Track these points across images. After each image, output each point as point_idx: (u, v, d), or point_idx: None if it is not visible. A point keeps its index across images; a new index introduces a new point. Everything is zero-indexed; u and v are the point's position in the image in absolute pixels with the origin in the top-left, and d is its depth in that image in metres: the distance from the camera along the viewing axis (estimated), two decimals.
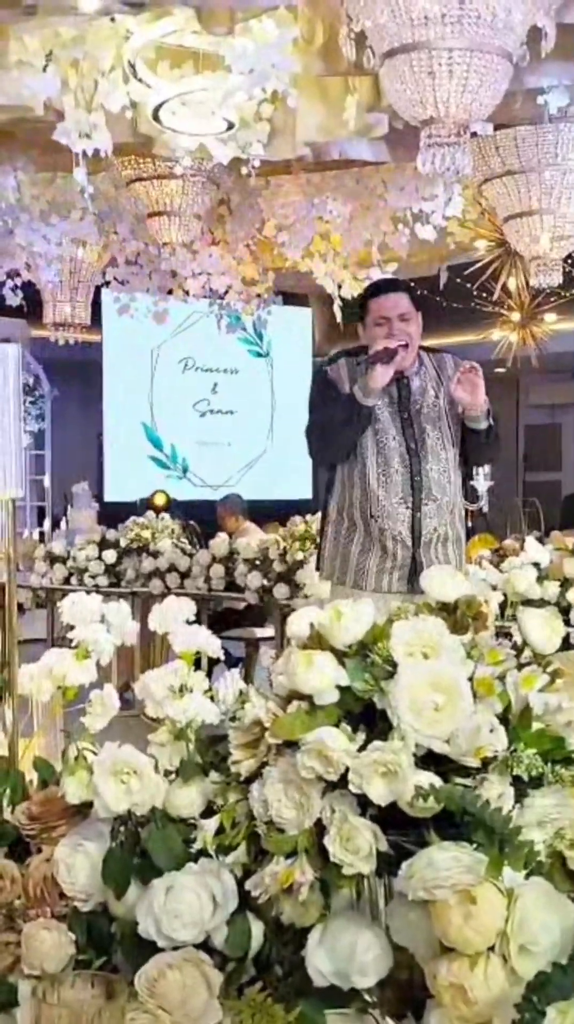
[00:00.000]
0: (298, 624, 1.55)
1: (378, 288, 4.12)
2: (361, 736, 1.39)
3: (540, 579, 5.19)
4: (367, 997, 1.49)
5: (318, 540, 4.17)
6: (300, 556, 6.01)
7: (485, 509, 6.06)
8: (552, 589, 5.16)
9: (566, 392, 13.58)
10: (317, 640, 1.47)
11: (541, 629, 1.53)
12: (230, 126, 4.47)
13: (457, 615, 1.50)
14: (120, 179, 5.72)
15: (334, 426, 3.83)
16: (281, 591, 6.09)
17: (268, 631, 6.70)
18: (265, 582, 6.22)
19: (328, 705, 1.41)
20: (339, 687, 1.42)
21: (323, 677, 1.40)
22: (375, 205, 6.11)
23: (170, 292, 7.33)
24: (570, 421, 14.23)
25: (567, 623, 5.35)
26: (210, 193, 5.60)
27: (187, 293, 7.22)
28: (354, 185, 6.08)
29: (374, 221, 6.20)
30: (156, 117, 4.49)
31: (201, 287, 7.07)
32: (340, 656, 1.45)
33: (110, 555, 7.03)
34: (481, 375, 3.80)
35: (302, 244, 6.41)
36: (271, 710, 1.43)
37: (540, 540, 5.75)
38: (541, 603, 5.01)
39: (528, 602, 4.79)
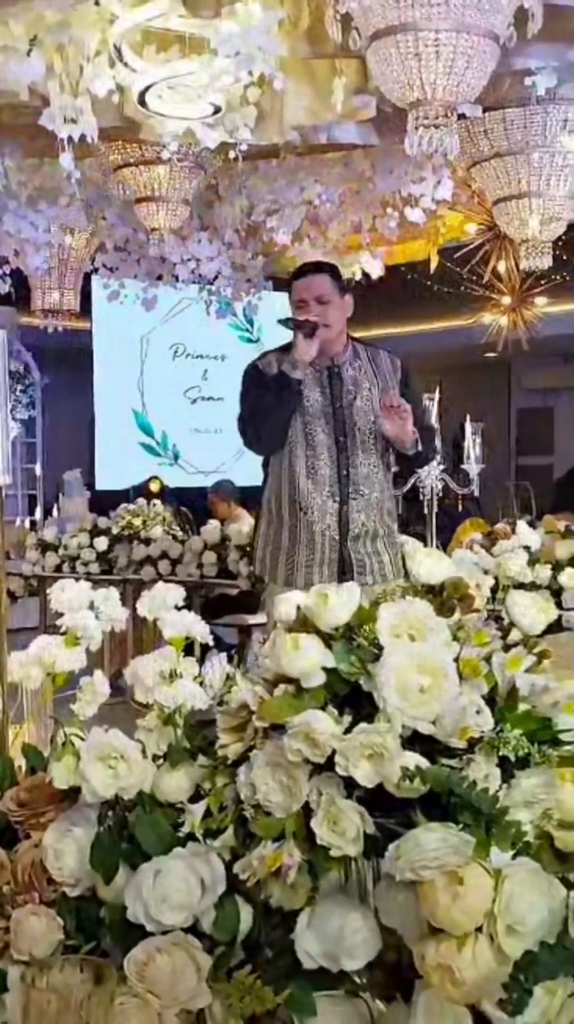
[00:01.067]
0: (284, 608, 1.55)
1: (300, 271, 4.14)
2: (347, 719, 1.39)
3: (531, 562, 5.21)
4: (356, 979, 1.49)
5: (253, 534, 4.16)
6: None
7: (476, 493, 6.05)
8: (543, 572, 5.17)
9: (558, 376, 13.57)
10: (303, 623, 1.47)
11: (527, 610, 1.53)
12: (217, 110, 4.45)
13: (443, 597, 1.50)
14: (107, 165, 5.68)
15: (264, 407, 3.82)
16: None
17: (260, 618, 6.69)
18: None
19: (315, 688, 1.41)
20: (325, 670, 1.42)
21: (309, 660, 1.40)
22: (364, 189, 6.09)
23: (159, 278, 7.30)
24: (562, 405, 14.23)
25: (559, 606, 5.39)
26: (198, 178, 5.56)
27: (177, 279, 7.19)
28: (342, 169, 6.06)
29: (363, 205, 6.18)
30: (142, 102, 4.46)
31: (190, 273, 7.04)
32: (326, 639, 1.44)
33: (101, 542, 7.02)
34: (407, 411, 3.80)
35: (291, 228, 6.39)
36: (258, 693, 1.43)
37: (532, 524, 5.76)
38: (532, 586, 5.02)
39: (520, 585, 4.82)
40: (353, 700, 1.43)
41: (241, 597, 6.41)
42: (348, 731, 1.37)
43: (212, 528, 6.67)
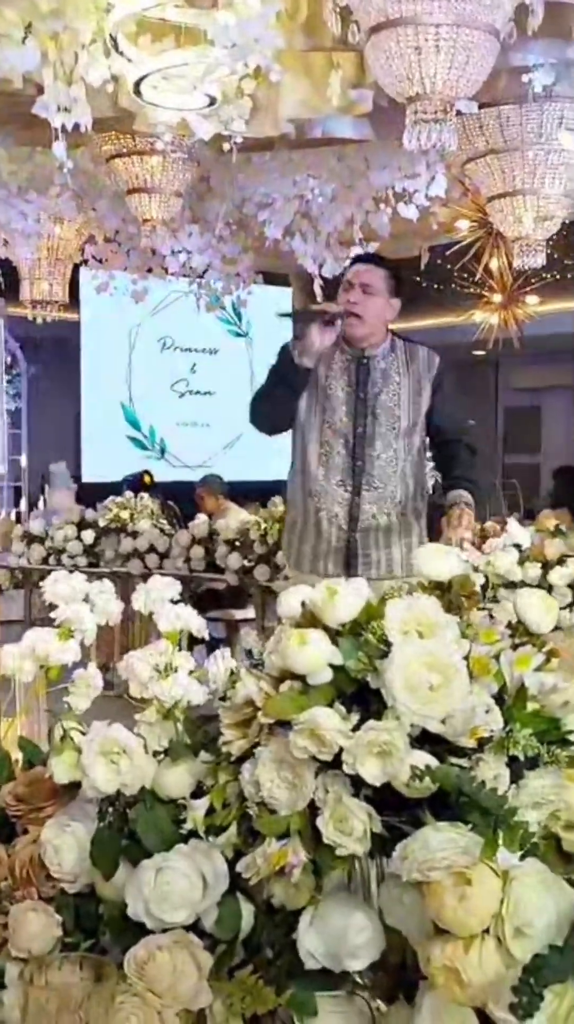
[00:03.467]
0: (289, 603, 1.53)
1: (358, 258, 4.15)
2: (355, 716, 1.37)
3: (521, 561, 5.20)
4: (358, 980, 1.47)
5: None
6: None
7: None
8: (533, 571, 5.16)
9: (546, 375, 13.60)
10: (309, 619, 1.45)
11: (538, 609, 1.51)
12: (212, 101, 4.42)
13: (451, 594, 1.48)
14: (99, 155, 5.65)
15: (264, 389, 3.84)
16: (262, 572, 6.08)
17: (248, 612, 6.68)
18: (245, 563, 6.20)
19: (321, 684, 1.39)
20: (332, 666, 1.39)
21: (316, 656, 1.38)
22: (357, 184, 6.07)
23: (149, 270, 7.27)
24: (550, 404, 14.25)
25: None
26: (191, 170, 5.54)
27: (167, 272, 7.16)
28: (336, 163, 6.04)
29: (356, 200, 6.17)
30: (137, 91, 4.43)
31: (181, 266, 7.01)
32: (333, 635, 1.42)
33: (88, 535, 7.00)
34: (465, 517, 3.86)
35: (283, 223, 6.37)
36: (263, 689, 1.41)
37: (520, 522, 5.76)
38: (522, 584, 5.01)
39: (509, 584, 4.80)
40: (359, 698, 1.41)
41: (229, 592, 6.39)
42: (355, 729, 1.35)
43: (200, 522, 6.65)
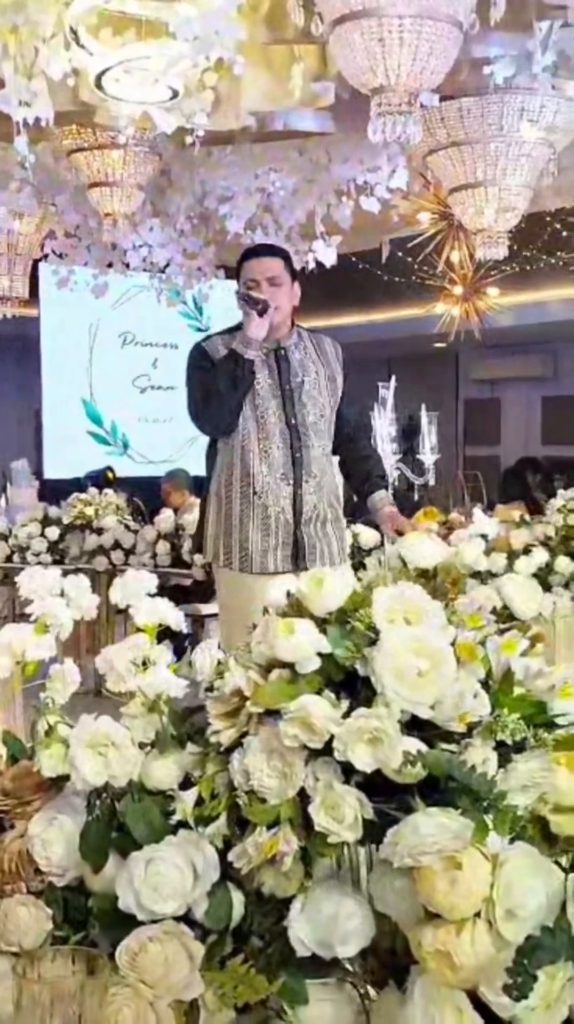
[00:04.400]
0: (274, 593, 1.53)
1: (251, 252, 4.15)
2: (345, 703, 1.37)
3: (487, 551, 5.23)
4: (349, 967, 1.48)
5: (199, 519, 4.14)
6: None
7: (432, 482, 6.08)
8: (499, 561, 5.20)
9: (505, 367, 13.68)
10: (296, 608, 1.45)
11: (523, 594, 1.53)
12: (174, 94, 4.40)
13: (436, 581, 1.49)
14: (60, 150, 5.62)
15: (217, 388, 3.82)
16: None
17: (214, 607, 6.67)
18: None
19: (310, 673, 1.39)
20: (320, 655, 1.40)
21: (305, 644, 1.38)
22: (319, 177, 6.08)
23: (110, 265, 7.24)
24: (509, 396, 14.33)
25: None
26: (152, 163, 5.53)
27: (127, 266, 7.14)
28: (297, 156, 6.04)
29: (318, 193, 6.17)
30: (99, 85, 4.41)
31: (142, 260, 6.99)
32: (320, 624, 1.43)
33: (53, 532, 6.97)
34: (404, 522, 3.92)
35: (245, 216, 6.36)
36: (252, 679, 1.41)
37: (484, 512, 5.80)
38: (488, 575, 5.05)
39: (475, 574, 4.84)
40: (347, 685, 1.41)
41: (195, 587, 6.38)
42: (345, 716, 1.35)
43: (165, 517, 6.64)
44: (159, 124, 4.48)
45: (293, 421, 3.85)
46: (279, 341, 3.91)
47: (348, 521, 4.50)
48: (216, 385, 3.81)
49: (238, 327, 3.94)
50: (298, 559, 3.80)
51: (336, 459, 4.14)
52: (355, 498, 4.27)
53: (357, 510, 5.47)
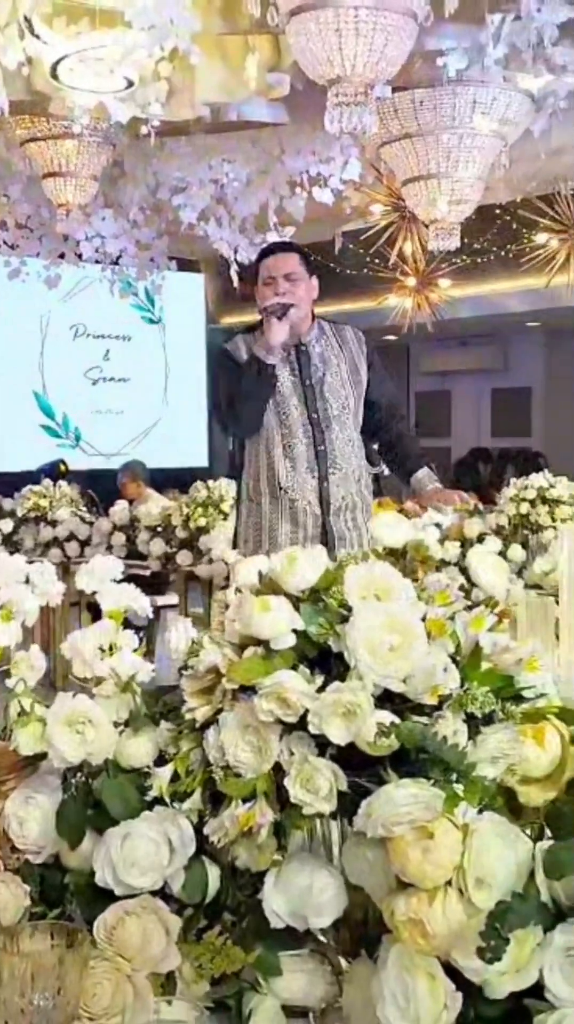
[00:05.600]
0: (246, 573, 1.55)
1: (269, 249, 4.18)
2: (319, 678, 1.40)
3: (441, 540, 5.28)
4: (322, 937, 1.51)
5: (235, 519, 4.20)
6: (203, 522, 6.01)
7: (386, 472, 6.13)
8: (453, 549, 5.25)
9: (455, 359, 13.77)
10: (270, 586, 1.48)
11: (491, 572, 1.56)
12: (129, 84, 4.40)
13: (406, 560, 1.52)
14: (13, 139, 5.59)
15: (240, 393, 3.85)
16: (184, 557, 6.08)
17: (171, 598, 6.69)
18: (168, 549, 6.20)
19: (284, 649, 1.42)
20: (294, 631, 1.43)
21: (280, 621, 1.41)
22: (272, 168, 6.10)
23: (62, 256, 7.21)
24: (459, 388, 14.44)
25: (468, 581, 5.47)
26: (106, 154, 5.51)
27: (80, 257, 7.11)
28: (251, 148, 6.05)
29: (271, 184, 6.19)
30: (54, 74, 4.40)
31: (95, 251, 6.97)
32: (293, 601, 1.45)
33: (6, 524, 6.94)
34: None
35: (198, 207, 6.36)
36: (227, 656, 1.43)
37: None
38: (442, 563, 5.10)
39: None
40: (320, 662, 1.44)
41: (151, 578, 6.39)
42: (320, 691, 1.38)
43: (120, 509, 6.64)
44: (114, 114, 4.48)
45: (315, 416, 3.88)
46: (300, 337, 3.93)
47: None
48: (239, 389, 3.84)
49: (261, 324, 3.94)
50: (329, 550, 3.84)
51: (375, 446, 4.20)
52: (400, 480, 4.30)
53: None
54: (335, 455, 3.88)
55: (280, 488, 3.83)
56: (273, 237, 6.36)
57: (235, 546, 4.16)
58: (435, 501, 4.06)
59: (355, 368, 3.99)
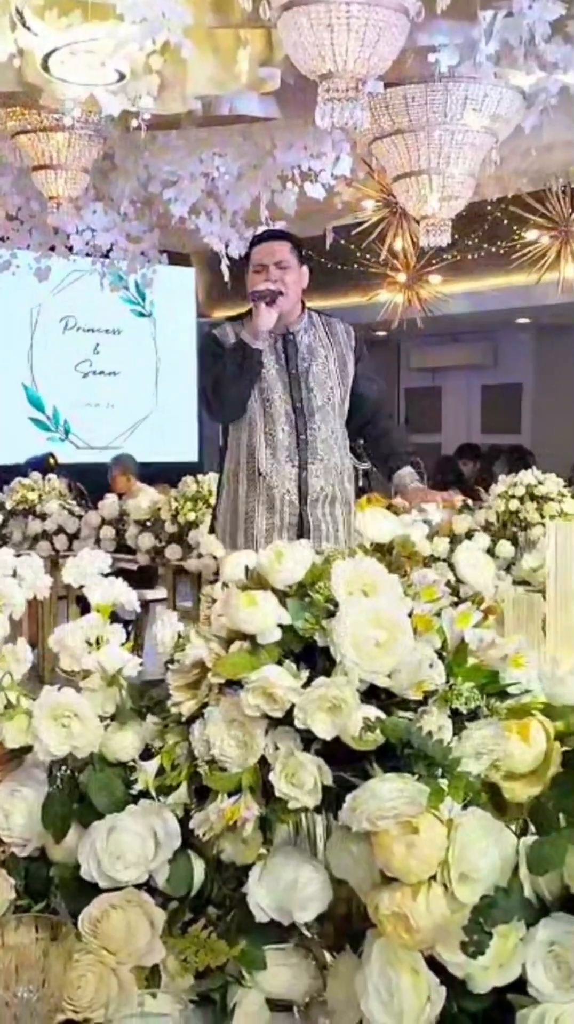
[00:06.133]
0: (232, 568, 1.56)
1: (261, 236, 4.17)
2: (305, 673, 1.40)
3: (430, 536, 5.29)
4: (306, 931, 1.51)
5: (214, 504, 4.21)
6: (192, 517, 6.01)
7: (373, 468, 6.13)
8: (442, 546, 5.26)
9: (445, 355, 13.77)
10: (256, 581, 1.48)
11: (478, 568, 1.56)
12: (121, 77, 4.39)
13: (393, 555, 1.52)
14: (4, 132, 5.58)
15: (225, 378, 3.85)
16: (173, 551, 6.08)
17: (159, 592, 6.68)
18: (157, 543, 6.20)
19: (270, 644, 1.42)
20: (281, 626, 1.43)
21: (266, 616, 1.41)
22: (263, 162, 6.09)
23: (52, 249, 7.20)
24: (449, 384, 14.44)
25: (455, 576, 5.50)
26: (97, 146, 5.50)
27: (70, 250, 7.10)
28: (242, 142, 6.04)
29: (262, 179, 6.18)
30: (45, 67, 4.39)
31: (85, 244, 6.96)
32: (280, 596, 1.46)
33: None
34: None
35: (189, 201, 6.35)
36: (214, 650, 1.43)
37: None
38: (432, 559, 5.11)
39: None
40: (306, 657, 1.45)
41: (139, 572, 6.38)
42: (305, 686, 1.38)
43: (109, 503, 6.62)
44: (105, 106, 4.47)
45: (299, 405, 3.89)
46: (288, 326, 3.93)
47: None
48: (224, 374, 3.84)
49: (250, 312, 3.95)
50: (302, 539, 3.83)
51: (361, 442, 4.21)
52: (384, 477, 4.30)
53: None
54: (317, 446, 3.89)
55: (259, 475, 3.84)
56: (261, 230, 6.35)
57: (212, 530, 4.17)
58: (417, 500, 4.06)
59: (343, 362, 3.99)
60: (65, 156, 5.27)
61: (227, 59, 4.62)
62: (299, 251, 4.03)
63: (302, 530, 3.86)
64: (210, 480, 6.07)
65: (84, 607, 1.94)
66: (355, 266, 8.44)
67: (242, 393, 3.84)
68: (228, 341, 3.90)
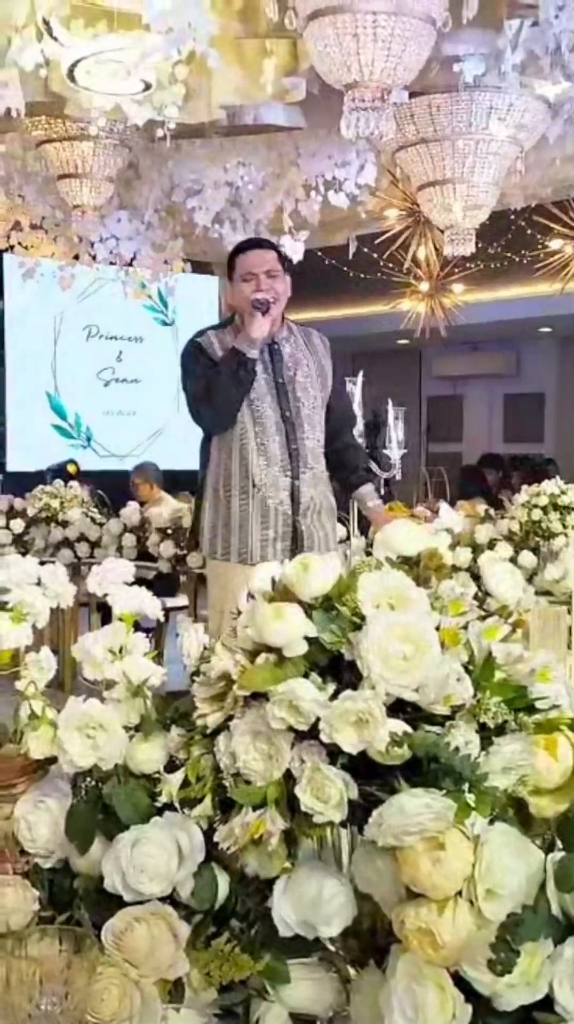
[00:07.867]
0: (260, 579, 1.55)
1: (246, 245, 4.17)
2: (331, 686, 1.40)
3: (452, 546, 5.28)
4: (330, 946, 1.50)
5: (193, 519, 4.18)
6: None
7: (398, 477, 6.11)
8: (464, 555, 5.24)
9: (467, 364, 13.76)
10: (283, 593, 1.47)
11: (506, 581, 1.55)
12: (146, 87, 4.40)
13: (419, 568, 1.51)
14: (29, 141, 5.61)
15: (220, 387, 3.83)
16: (194, 559, 6.08)
17: (180, 600, 6.69)
18: (178, 551, 6.21)
19: (296, 657, 1.41)
20: (307, 639, 1.42)
21: (293, 629, 1.40)
22: (287, 171, 6.10)
23: (76, 257, 7.23)
24: (471, 393, 14.42)
25: (480, 588, 5.50)
26: (122, 155, 5.53)
27: (94, 259, 7.13)
28: (266, 151, 6.06)
29: (286, 188, 6.19)
30: (71, 76, 4.40)
31: (109, 253, 6.99)
32: (306, 608, 1.45)
33: (17, 524, 6.94)
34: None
35: (213, 210, 6.37)
36: (239, 663, 1.43)
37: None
38: (454, 569, 5.08)
39: None
40: (332, 670, 1.44)
41: (160, 580, 6.39)
42: (331, 699, 1.38)
43: (131, 511, 6.64)
44: (130, 116, 4.49)
45: (288, 414, 3.88)
46: (272, 335, 3.93)
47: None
48: (218, 382, 3.83)
49: (229, 322, 3.96)
50: (297, 550, 3.82)
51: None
52: (341, 490, 4.29)
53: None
54: (307, 455, 3.89)
55: (254, 486, 3.82)
56: (287, 240, 6.36)
57: (196, 545, 4.15)
58: (381, 523, 4.05)
59: (322, 371, 4.01)
60: (90, 165, 5.30)
61: (252, 69, 4.62)
62: (282, 260, 4.05)
63: (295, 541, 3.84)
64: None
65: (105, 614, 1.94)
66: (378, 275, 8.43)
67: (237, 402, 3.83)
68: (215, 351, 3.90)
